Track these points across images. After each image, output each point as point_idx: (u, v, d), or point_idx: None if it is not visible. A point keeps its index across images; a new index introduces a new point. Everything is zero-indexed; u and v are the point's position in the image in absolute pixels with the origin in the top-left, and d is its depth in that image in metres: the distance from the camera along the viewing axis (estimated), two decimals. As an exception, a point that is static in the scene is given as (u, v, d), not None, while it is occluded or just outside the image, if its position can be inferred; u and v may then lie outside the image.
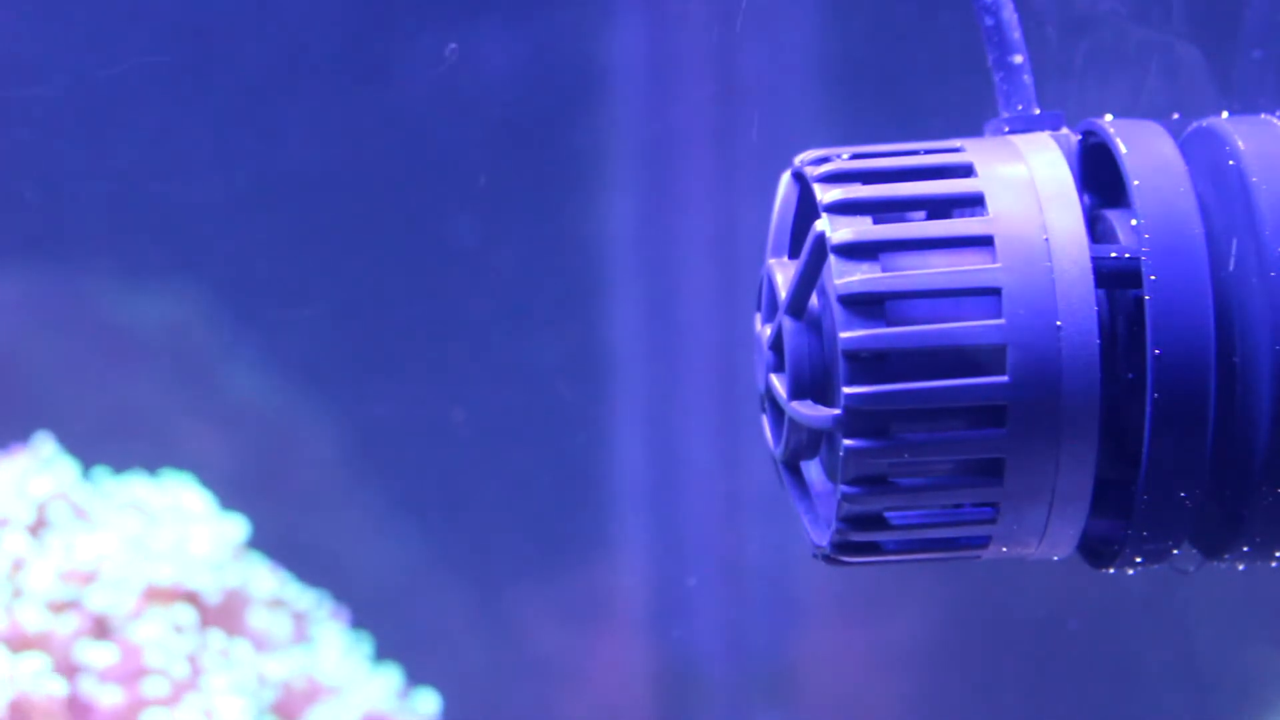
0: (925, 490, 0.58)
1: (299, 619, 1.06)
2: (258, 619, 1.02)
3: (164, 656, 0.96)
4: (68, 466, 1.05)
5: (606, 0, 1.15)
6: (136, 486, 1.06)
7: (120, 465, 1.09)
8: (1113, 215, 0.61)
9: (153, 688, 0.95)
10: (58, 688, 0.93)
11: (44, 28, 1.14)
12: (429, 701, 1.09)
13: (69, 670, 0.95)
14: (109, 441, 1.10)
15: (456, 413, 1.18)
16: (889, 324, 0.57)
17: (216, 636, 0.99)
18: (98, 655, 0.95)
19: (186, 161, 1.15)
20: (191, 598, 0.99)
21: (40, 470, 1.03)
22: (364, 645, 1.10)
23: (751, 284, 0.64)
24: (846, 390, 0.57)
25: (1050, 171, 0.59)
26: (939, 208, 0.59)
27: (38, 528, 1.00)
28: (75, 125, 1.15)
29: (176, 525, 1.03)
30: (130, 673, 0.95)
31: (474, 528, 1.19)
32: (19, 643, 0.94)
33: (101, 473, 1.08)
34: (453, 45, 1.04)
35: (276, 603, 1.04)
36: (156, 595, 0.98)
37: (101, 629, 0.97)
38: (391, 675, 1.09)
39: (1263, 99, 0.69)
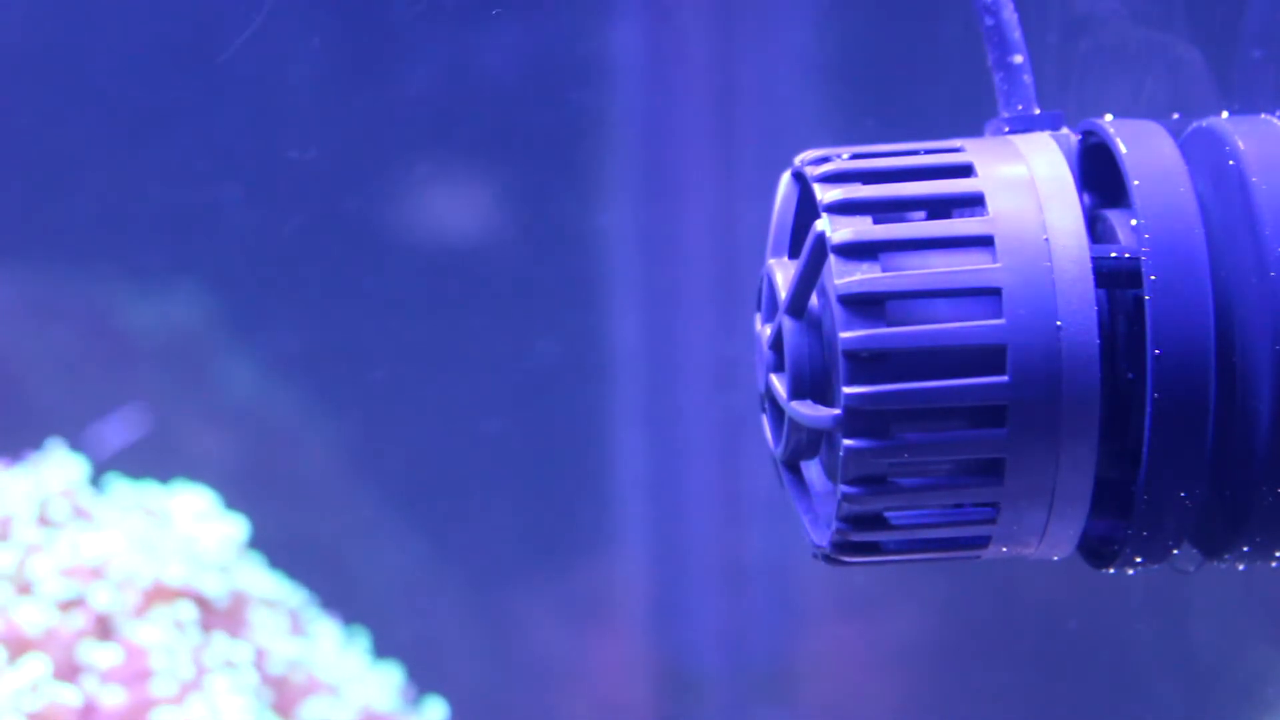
0: (925, 490, 0.58)
1: (297, 618, 1.06)
2: (257, 618, 1.02)
3: (166, 657, 0.96)
4: (78, 469, 1.05)
5: (606, 0, 1.15)
6: (142, 488, 1.07)
7: (121, 466, 1.09)
8: (1113, 215, 0.61)
9: (156, 688, 0.95)
10: (72, 696, 0.93)
11: (45, 28, 1.14)
12: (437, 711, 1.09)
13: (72, 671, 0.95)
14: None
15: (457, 413, 1.18)
16: (889, 324, 0.57)
17: (218, 636, 0.99)
18: (101, 656, 0.95)
19: (187, 162, 1.15)
20: (194, 598, 0.99)
21: (49, 472, 1.03)
22: (362, 643, 1.10)
23: (751, 283, 0.64)
24: (846, 390, 0.57)
25: (1050, 171, 0.59)
26: (939, 208, 0.59)
27: (44, 528, 1.01)
28: (76, 126, 1.15)
29: (181, 526, 1.03)
30: (133, 673, 0.95)
31: (474, 527, 1.19)
32: (22, 643, 0.94)
33: (109, 475, 1.08)
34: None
35: (275, 602, 1.04)
36: (160, 596, 0.98)
37: (105, 629, 0.97)
38: (391, 673, 1.09)
39: (1263, 99, 0.70)
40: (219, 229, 1.16)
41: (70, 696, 0.92)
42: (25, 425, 1.11)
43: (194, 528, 1.03)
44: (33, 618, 0.95)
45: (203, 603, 1.00)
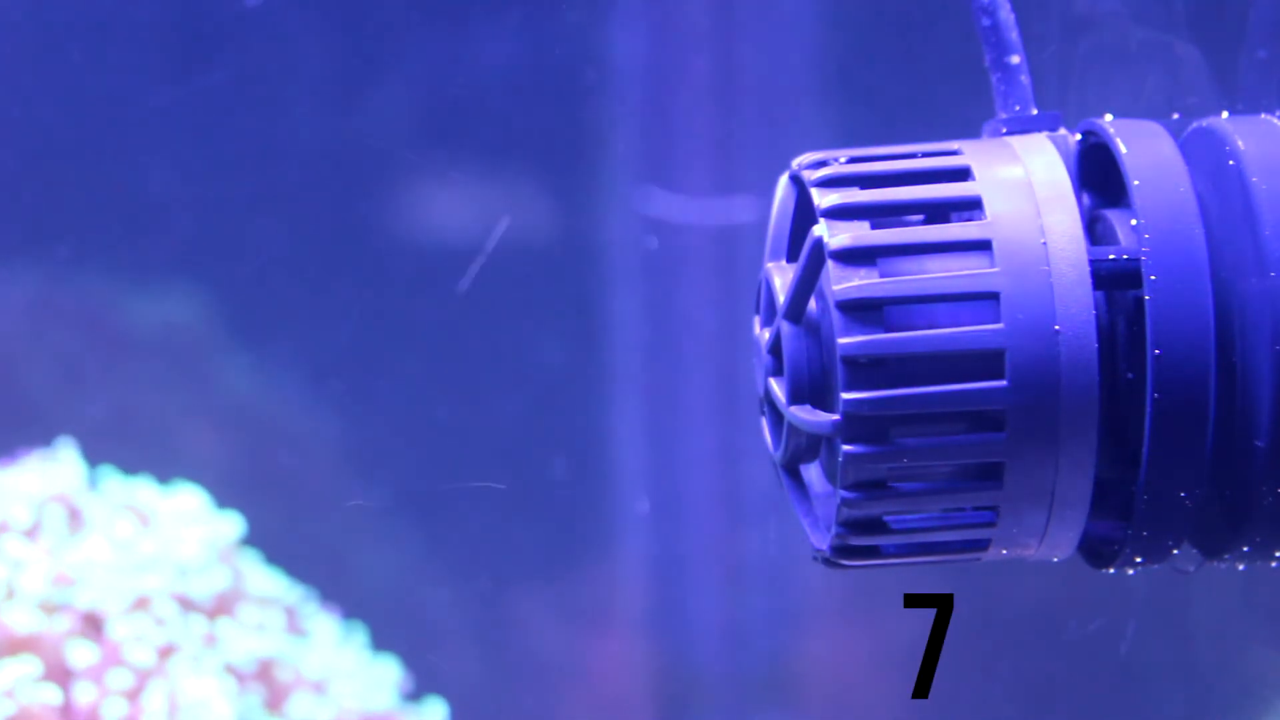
0: (925, 494, 0.58)
1: (294, 615, 1.06)
2: (249, 615, 1.02)
3: (150, 655, 0.96)
4: (76, 470, 1.05)
5: (606, 0, 1.15)
6: (136, 488, 1.07)
7: (119, 465, 1.09)
8: (1113, 215, 0.61)
9: (139, 687, 0.95)
10: (53, 695, 0.93)
11: (45, 28, 1.14)
12: (436, 710, 1.09)
13: (62, 673, 0.95)
14: (108, 442, 1.10)
15: (456, 413, 1.18)
16: (887, 329, 0.57)
17: (206, 634, 0.99)
18: (83, 654, 0.95)
19: (185, 162, 1.15)
20: (183, 600, 0.99)
21: (47, 473, 1.03)
22: (360, 639, 1.10)
23: (751, 285, 0.63)
24: (845, 396, 0.57)
25: (1048, 174, 0.59)
26: (937, 211, 0.59)
27: (36, 531, 1.01)
28: (75, 126, 1.15)
29: (172, 527, 1.03)
30: (117, 673, 0.95)
31: (474, 528, 1.19)
32: (11, 645, 0.95)
33: (104, 474, 1.08)
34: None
35: (270, 599, 1.05)
36: (147, 598, 0.98)
37: (92, 632, 0.97)
38: (389, 670, 1.09)
39: (1267, 99, 0.69)
40: (217, 228, 1.16)
41: (52, 696, 0.92)
42: (23, 424, 1.11)
43: (184, 528, 1.03)
44: (22, 620, 0.95)
45: (189, 604, 1.00)
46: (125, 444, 1.12)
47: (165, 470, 1.09)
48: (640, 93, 1.16)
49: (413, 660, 1.11)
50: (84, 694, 0.94)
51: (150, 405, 1.16)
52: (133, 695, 0.95)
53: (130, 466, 1.09)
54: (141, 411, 1.16)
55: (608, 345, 1.18)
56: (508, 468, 1.18)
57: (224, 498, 1.08)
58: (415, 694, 1.10)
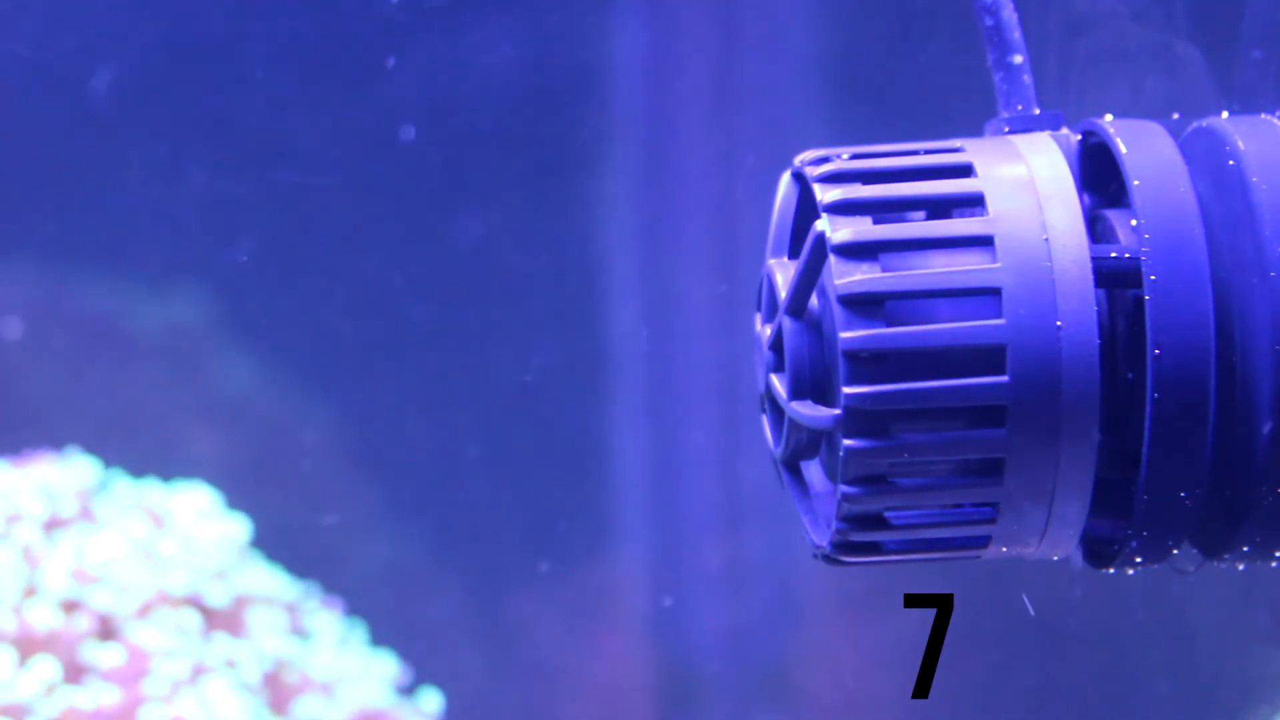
0: (925, 490, 0.58)
1: (295, 614, 1.06)
2: (256, 617, 1.02)
3: (166, 658, 0.96)
4: (87, 470, 1.05)
5: (606, 0, 1.15)
6: (145, 487, 1.07)
7: (121, 465, 1.09)
8: (1113, 215, 0.61)
9: (154, 689, 0.95)
10: (86, 699, 0.93)
11: (44, 30, 1.14)
12: (432, 701, 1.10)
13: (77, 672, 0.95)
14: (109, 441, 1.10)
15: (455, 412, 1.18)
16: (889, 324, 0.57)
17: (217, 636, 0.99)
18: (104, 656, 0.95)
19: (184, 162, 1.15)
20: (195, 600, 0.99)
21: (58, 473, 1.03)
22: (360, 635, 1.10)
23: (751, 284, 0.64)
24: (846, 390, 0.57)
25: (1050, 171, 0.59)
26: (939, 208, 0.59)
27: (51, 529, 1.01)
28: (74, 127, 1.15)
29: (183, 527, 1.03)
30: (133, 674, 0.95)
31: (474, 527, 1.19)
32: (31, 643, 0.95)
33: (114, 475, 1.08)
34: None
35: (274, 599, 1.05)
36: (162, 600, 0.98)
37: (108, 631, 0.97)
38: (388, 664, 1.09)
39: (1262, 99, 0.69)
40: (219, 229, 1.16)
41: (84, 700, 0.93)
42: (28, 425, 1.11)
43: (196, 528, 1.03)
44: (42, 618, 0.95)
45: (204, 605, 1.00)
46: (129, 445, 1.12)
47: (169, 470, 1.10)
48: (641, 92, 1.16)
49: (413, 663, 1.11)
50: (103, 695, 0.94)
51: (153, 406, 1.16)
52: (145, 694, 0.95)
53: (134, 467, 1.09)
54: (145, 412, 1.16)
55: (608, 345, 1.18)
56: (508, 467, 1.18)
57: (226, 497, 1.08)
58: (413, 691, 1.11)
